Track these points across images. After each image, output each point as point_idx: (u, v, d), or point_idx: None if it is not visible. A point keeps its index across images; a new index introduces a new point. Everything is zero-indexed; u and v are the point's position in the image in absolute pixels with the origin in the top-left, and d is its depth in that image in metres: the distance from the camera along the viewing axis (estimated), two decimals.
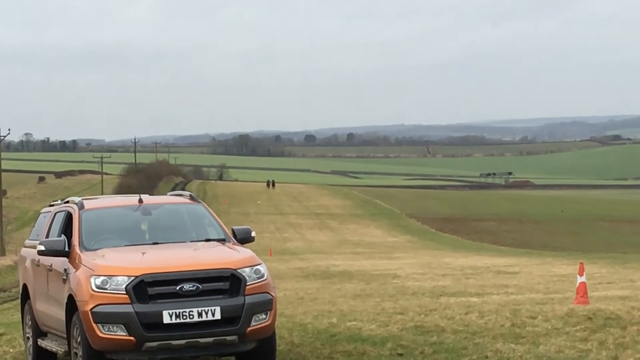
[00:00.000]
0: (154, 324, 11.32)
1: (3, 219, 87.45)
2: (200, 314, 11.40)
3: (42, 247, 12.71)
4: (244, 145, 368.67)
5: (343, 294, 27.44)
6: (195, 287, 11.48)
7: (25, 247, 14.95)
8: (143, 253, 12.15)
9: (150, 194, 14.89)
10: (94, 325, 11.43)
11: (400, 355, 13.17)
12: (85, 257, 12.15)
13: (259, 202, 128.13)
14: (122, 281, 11.45)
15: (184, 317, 11.36)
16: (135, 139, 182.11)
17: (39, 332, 13.98)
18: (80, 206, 13.29)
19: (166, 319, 11.33)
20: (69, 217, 13.36)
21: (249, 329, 11.64)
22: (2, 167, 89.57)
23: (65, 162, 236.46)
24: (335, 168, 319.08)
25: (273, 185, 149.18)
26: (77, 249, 12.49)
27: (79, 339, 11.86)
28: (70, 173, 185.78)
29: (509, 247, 76.06)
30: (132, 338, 11.34)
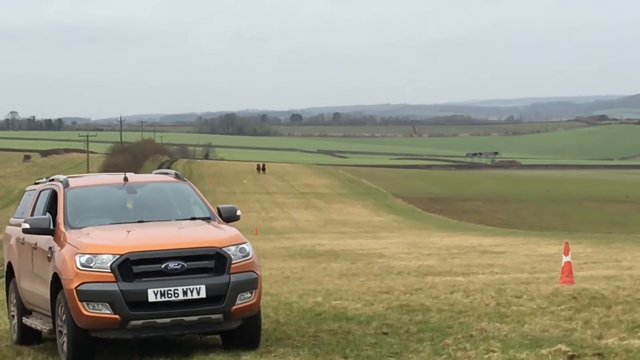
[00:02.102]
0: (139, 302, 11.30)
1: None
2: (185, 293, 11.38)
3: (26, 225, 12.65)
4: (230, 124, 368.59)
5: (329, 273, 27.47)
6: (180, 265, 11.46)
7: (10, 225, 14.88)
8: (128, 231, 12.10)
9: (135, 173, 14.85)
10: (79, 303, 11.40)
11: (385, 334, 13.17)
12: (70, 235, 12.11)
13: (245, 182, 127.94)
14: (107, 259, 11.42)
15: (169, 295, 11.34)
16: (121, 118, 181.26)
17: (24, 310, 13.93)
18: (65, 184, 13.22)
19: (151, 297, 11.31)
20: (54, 195, 13.29)
21: (234, 307, 11.63)
22: None
23: (50, 140, 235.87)
24: (322, 147, 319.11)
25: (263, 169, 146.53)
26: (62, 227, 12.44)
27: (63, 317, 11.83)
28: (56, 152, 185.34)
29: (494, 226, 76.11)
30: (117, 316, 11.32)
